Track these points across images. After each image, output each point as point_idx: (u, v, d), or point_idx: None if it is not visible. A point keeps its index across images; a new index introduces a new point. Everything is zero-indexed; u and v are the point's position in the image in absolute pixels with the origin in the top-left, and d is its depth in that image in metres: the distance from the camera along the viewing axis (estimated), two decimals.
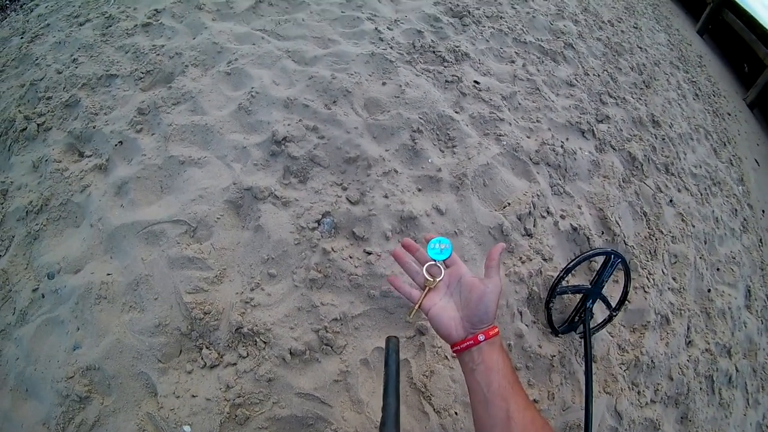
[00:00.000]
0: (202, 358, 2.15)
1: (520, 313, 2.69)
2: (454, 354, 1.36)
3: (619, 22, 7.25)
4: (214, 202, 2.60)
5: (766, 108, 10.92)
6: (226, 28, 3.78)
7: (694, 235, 4.29)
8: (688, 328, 3.66)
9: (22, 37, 4.21)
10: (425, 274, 1.49)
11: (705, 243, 4.47)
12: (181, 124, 2.97)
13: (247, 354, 2.15)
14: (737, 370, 4.01)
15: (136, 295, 2.29)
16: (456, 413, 2.27)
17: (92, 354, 2.12)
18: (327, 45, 3.70)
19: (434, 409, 2.23)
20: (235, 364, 2.13)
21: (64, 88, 3.36)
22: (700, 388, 3.55)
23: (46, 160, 2.92)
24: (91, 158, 2.92)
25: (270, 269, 2.42)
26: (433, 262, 1.51)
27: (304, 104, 3.11)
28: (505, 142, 3.25)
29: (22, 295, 2.41)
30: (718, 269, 4.50)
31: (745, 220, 5.70)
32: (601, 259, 2.81)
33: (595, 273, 2.80)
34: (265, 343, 2.17)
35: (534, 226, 2.96)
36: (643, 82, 5.81)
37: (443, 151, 3.11)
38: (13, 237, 2.67)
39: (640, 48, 6.89)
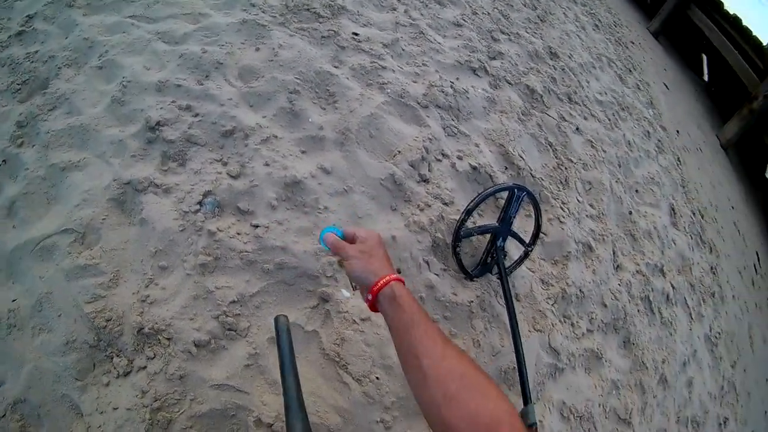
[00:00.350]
0: (114, 368, 2.03)
1: (427, 263, 2.54)
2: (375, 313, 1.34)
3: None
4: (98, 203, 2.43)
5: (671, 35, 11.07)
6: (97, 21, 3.50)
7: (607, 160, 4.23)
8: (614, 253, 3.61)
9: None
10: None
11: (620, 167, 4.42)
12: (58, 129, 2.76)
13: (154, 354, 2.02)
14: (674, 288, 4.01)
15: (42, 316, 2.14)
16: (377, 378, 2.15)
17: (17, 387, 2.00)
18: (198, 20, 3.46)
19: (353, 378, 2.13)
20: (145, 367, 2.00)
21: None
22: (638, 311, 3.52)
23: None
24: None
25: (160, 262, 2.26)
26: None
27: (176, 84, 2.90)
28: (389, 90, 3.06)
29: None
30: (637, 191, 4.48)
31: (659, 141, 5.72)
32: (506, 195, 2.64)
33: (501, 210, 2.62)
34: (168, 339, 2.04)
35: (429, 171, 2.79)
36: (538, 17, 5.68)
37: (324, 108, 2.91)
38: None
39: None
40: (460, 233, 2.48)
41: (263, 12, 3.44)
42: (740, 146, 10.40)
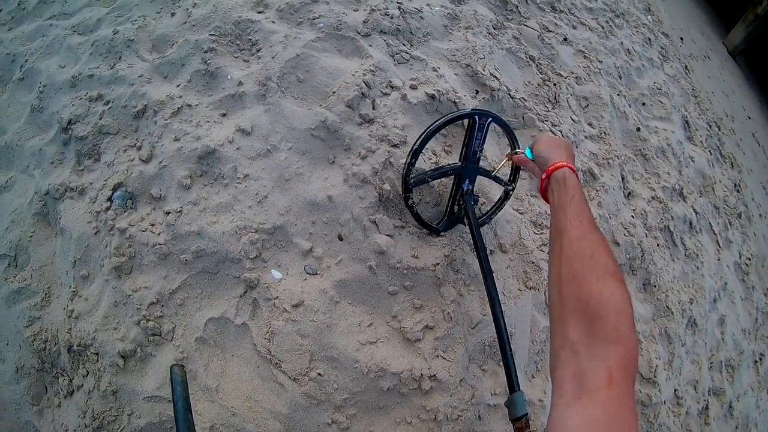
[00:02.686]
0: (60, 389, 1.94)
1: (375, 223, 1.96)
2: (546, 201, 1.37)
3: None
4: (24, 221, 2.24)
5: None
6: (19, 32, 3.17)
7: (604, 71, 3.52)
8: (623, 178, 2.97)
9: None
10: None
11: (620, 78, 3.71)
12: None
13: (87, 372, 1.85)
14: (696, 212, 3.42)
15: None
16: (320, 374, 1.73)
17: None
18: (114, 1, 2.95)
19: (289, 377, 1.76)
20: (82, 385, 1.86)
21: None
22: (658, 244, 2.96)
23: None
24: None
25: (81, 271, 2.00)
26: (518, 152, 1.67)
27: (88, 75, 2.48)
28: (321, 24, 2.40)
29: None
30: (643, 104, 3.78)
31: (663, 48, 4.95)
32: (465, 125, 1.99)
33: (462, 145, 1.98)
34: (96, 354, 1.84)
35: (373, 108, 2.14)
36: None
37: (247, 61, 2.34)
38: None
39: None
40: (409, 181, 1.86)
41: None
42: (749, 53, 9.68)
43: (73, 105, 2.37)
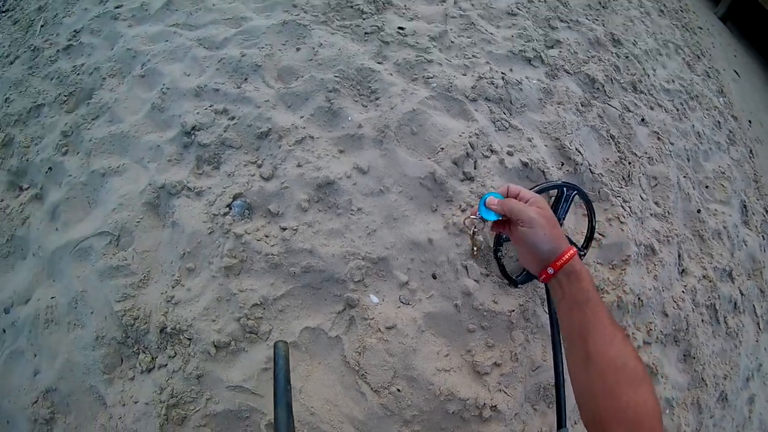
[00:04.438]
0: (139, 364, 2.12)
1: (465, 267, 2.28)
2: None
3: None
4: (133, 207, 2.50)
5: (739, 20, 10.41)
6: (141, 31, 3.54)
7: (674, 153, 3.80)
8: (679, 256, 3.22)
9: None
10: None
11: (688, 160, 3.97)
12: (100, 137, 2.86)
13: (175, 353, 2.06)
14: (742, 294, 3.59)
15: (77, 313, 2.28)
16: (399, 390, 2.00)
17: (49, 377, 2.17)
18: (239, 24, 3.35)
19: (372, 389, 2.02)
20: (166, 365, 2.05)
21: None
22: (702, 320, 3.16)
23: None
24: (29, 190, 2.94)
25: (188, 263, 2.26)
26: (472, 217, 1.56)
27: (214, 89, 2.85)
28: (435, 84, 2.77)
29: None
30: (707, 186, 4.02)
31: (730, 132, 5.18)
32: (554, 194, 2.34)
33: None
34: (189, 339, 2.06)
35: (475, 168, 2.49)
36: (599, 2, 5.20)
37: (366, 106, 2.69)
38: None
39: None
40: (501, 235, 2.20)
41: (305, 12, 3.27)
42: None
43: (197, 113, 2.71)
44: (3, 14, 5.13)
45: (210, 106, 2.74)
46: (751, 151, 5.44)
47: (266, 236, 2.26)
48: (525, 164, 2.60)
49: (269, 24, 3.18)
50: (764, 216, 4.62)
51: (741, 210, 4.25)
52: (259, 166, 2.48)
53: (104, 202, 2.59)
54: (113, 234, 2.43)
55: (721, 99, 5.69)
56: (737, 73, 7.50)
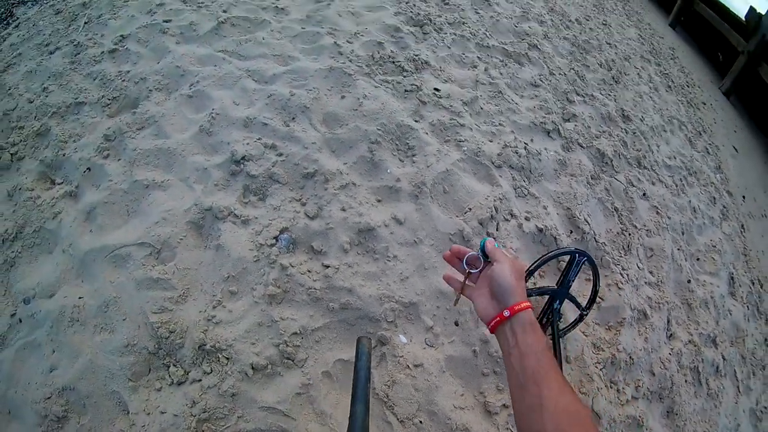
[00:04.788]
0: (169, 376, 2.18)
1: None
2: (492, 333, 1.36)
3: (588, 20, 7.18)
4: (177, 223, 2.64)
5: (743, 95, 10.86)
6: (189, 51, 3.78)
7: (671, 226, 4.20)
8: (668, 321, 3.56)
9: None
10: (464, 265, 1.53)
11: (683, 234, 4.38)
12: (145, 148, 3.01)
13: (211, 370, 2.16)
14: (724, 359, 3.91)
15: (107, 317, 2.33)
16: (421, 422, 2.23)
17: (67, 375, 2.17)
18: (287, 62, 3.67)
19: (398, 419, 2.21)
20: (200, 380, 2.14)
21: (35, 117, 3.42)
22: (686, 381, 3.45)
23: (20, 189, 2.97)
24: (62, 185, 2.98)
25: (231, 287, 2.43)
26: (474, 253, 1.52)
27: (263, 123, 3.11)
28: (465, 148, 3.17)
29: (2, 321, 2.46)
30: (698, 259, 4.41)
31: (724, 207, 5.60)
32: (567, 259, 2.69)
33: (561, 273, 2.68)
34: (227, 359, 2.18)
35: (497, 229, 2.87)
36: (613, 77, 5.72)
37: (402, 161, 3.05)
38: None
39: (609, 44, 6.81)
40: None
41: (350, 61, 3.62)
42: None
43: (247, 144, 2.97)
44: (44, 2, 5.35)
45: (259, 139, 3.00)
46: (742, 226, 5.84)
47: (309, 271, 2.51)
48: (540, 230, 2.97)
49: (317, 68, 3.51)
50: (750, 288, 4.98)
51: (729, 282, 4.61)
52: (303, 204, 2.76)
53: (146, 214, 2.71)
54: (155, 246, 2.55)
55: (718, 175, 6.14)
56: (736, 149, 7.93)
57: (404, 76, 3.63)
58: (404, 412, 2.23)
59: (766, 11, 9.92)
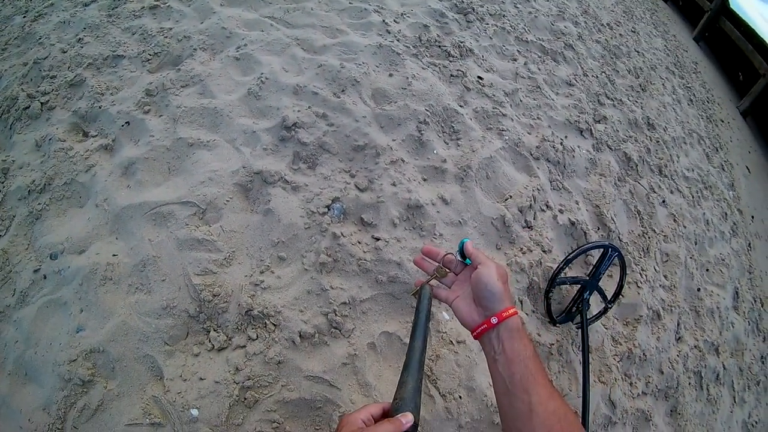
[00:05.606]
0: (209, 341, 2.17)
1: (521, 301, 2.82)
2: (476, 339, 1.38)
3: (618, 25, 7.41)
4: (224, 184, 2.66)
5: (759, 117, 11.10)
6: (235, 13, 3.85)
7: (685, 235, 4.45)
8: (678, 324, 3.80)
9: (24, 16, 4.20)
10: (440, 263, 1.57)
11: (695, 244, 4.63)
12: (189, 106, 3.02)
13: (257, 336, 2.19)
14: (724, 368, 4.13)
15: (143, 277, 2.30)
16: (460, 397, 2.33)
17: (96, 336, 2.12)
18: (335, 35, 3.80)
19: (440, 393, 2.30)
20: (244, 346, 2.16)
21: (68, 67, 3.40)
22: (689, 383, 3.67)
23: (50, 140, 2.92)
24: (97, 138, 2.95)
25: (280, 252, 2.48)
26: (450, 254, 1.57)
27: (313, 92, 3.21)
28: (507, 137, 3.40)
29: (23, 276, 2.39)
30: (707, 270, 4.66)
31: (734, 224, 5.86)
32: (598, 253, 2.92)
33: (593, 266, 2.93)
34: (275, 325, 2.21)
35: (534, 218, 3.10)
36: (640, 85, 5.97)
37: (447, 143, 3.24)
38: (14, 217, 2.66)
39: (638, 52, 7.05)
40: (556, 279, 2.77)
41: (397, 40, 3.80)
42: None
43: (298, 111, 3.05)
44: None
45: (309, 107, 3.10)
46: (749, 244, 6.11)
47: (359, 242, 2.62)
48: (572, 223, 3.22)
49: (366, 43, 3.66)
50: (752, 305, 5.22)
51: (734, 295, 4.85)
52: (353, 176, 2.89)
53: (189, 173, 2.70)
54: (200, 206, 2.53)
55: (731, 192, 6.41)
56: (749, 169, 8.20)
57: (450, 61, 3.83)
58: (446, 387, 2.31)
59: None
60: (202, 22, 3.75)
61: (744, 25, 12.45)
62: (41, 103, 3.15)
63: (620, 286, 2.98)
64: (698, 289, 4.23)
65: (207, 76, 3.25)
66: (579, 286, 2.92)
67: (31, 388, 2.08)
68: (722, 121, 8.62)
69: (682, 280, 4.10)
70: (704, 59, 12.20)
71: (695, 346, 3.87)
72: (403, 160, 3.00)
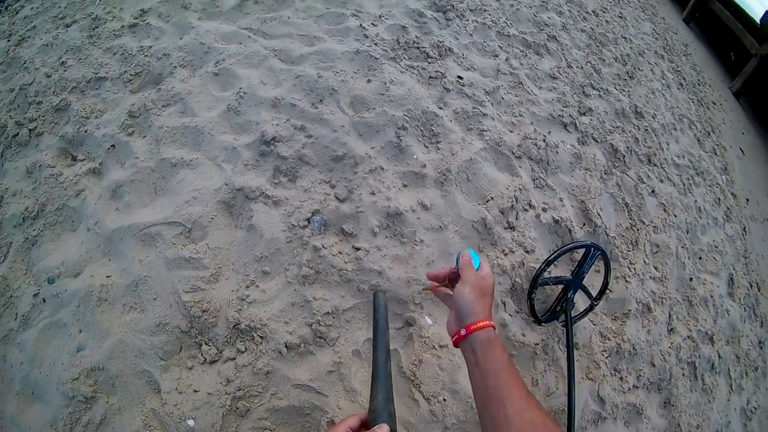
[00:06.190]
0: (201, 354, 2.29)
1: (504, 303, 2.85)
2: (455, 347, 1.50)
3: (604, 12, 7.40)
4: (207, 202, 2.74)
5: (752, 97, 11.14)
6: (213, 27, 3.87)
7: (676, 224, 4.47)
8: (669, 316, 3.83)
9: (8, 40, 4.27)
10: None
11: (687, 232, 4.65)
12: (171, 126, 3.08)
13: (245, 349, 2.30)
14: (720, 357, 4.17)
15: (136, 296, 2.42)
16: (444, 399, 2.42)
17: (96, 355, 2.24)
18: (313, 43, 3.82)
19: (423, 396, 2.39)
20: (234, 359, 2.28)
21: (53, 92, 3.47)
22: (683, 374, 3.70)
23: (40, 166, 3.02)
24: (85, 162, 3.04)
25: (264, 267, 2.57)
26: (455, 269, 1.73)
27: (291, 104, 3.24)
28: (488, 137, 3.40)
29: (23, 301, 2.53)
30: (700, 258, 4.68)
31: (728, 209, 5.89)
32: (582, 251, 2.95)
33: (576, 264, 2.94)
34: (261, 338, 2.32)
35: (516, 219, 3.11)
36: (627, 72, 5.96)
37: (428, 147, 3.26)
38: (11, 243, 2.78)
39: (625, 38, 7.04)
40: (538, 281, 2.80)
41: (375, 44, 3.80)
42: None
43: (276, 124, 3.08)
44: None
45: (288, 120, 3.14)
46: (744, 228, 6.15)
47: (340, 252, 2.69)
48: (556, 221, 3.24)
49: (343, 50, 3.67)
50: (748, 290, 5.26)
51: (728, 282, 4.90)
52: (333, 187, 2.94)
53: (174, 192, 2.79)
54: (185, 225, 2.64)
55: (724, 176, 6.44)
56: (743, 151, 8.22)
57: (429, 62, 3.83)
58: (429, 390, 2.40)
59: None
60: (181, 38, 3.78)
61: (733, 5, 12.49)
62: (29, 130, 3.26)
63: (605, 284, 3.00)
64: (690, 279, 4.26)
65: (187, 93, 3.29)
66: (562, 285, 2.94)
67: (38, 407, 2.23)
68: (714, 104, 8.63)
69: (674, 271, 4.12)
70: (695, 41, 12.21)
71: (688, 337, 3.90)
72: (383, 168, 3.03)
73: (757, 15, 11.45)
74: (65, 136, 3.15)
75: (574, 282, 2.89)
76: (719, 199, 5.80)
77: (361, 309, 2.57)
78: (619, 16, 7.73)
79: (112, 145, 3.04)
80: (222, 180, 2.84)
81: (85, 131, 3.14)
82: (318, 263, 2.59)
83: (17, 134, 3.24)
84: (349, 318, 2.53)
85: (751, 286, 5.46)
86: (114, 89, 3.44)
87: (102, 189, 2.84)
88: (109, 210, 2.74)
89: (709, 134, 7.01)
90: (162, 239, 2.59)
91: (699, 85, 8.57)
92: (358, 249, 2.71)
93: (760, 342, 5.14)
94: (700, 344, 3.99)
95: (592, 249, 2.86)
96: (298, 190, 2.90)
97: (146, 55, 3.64)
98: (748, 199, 6.98)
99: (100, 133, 3.11)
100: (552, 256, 2.78)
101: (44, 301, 2.51)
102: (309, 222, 2.74)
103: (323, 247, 2.63)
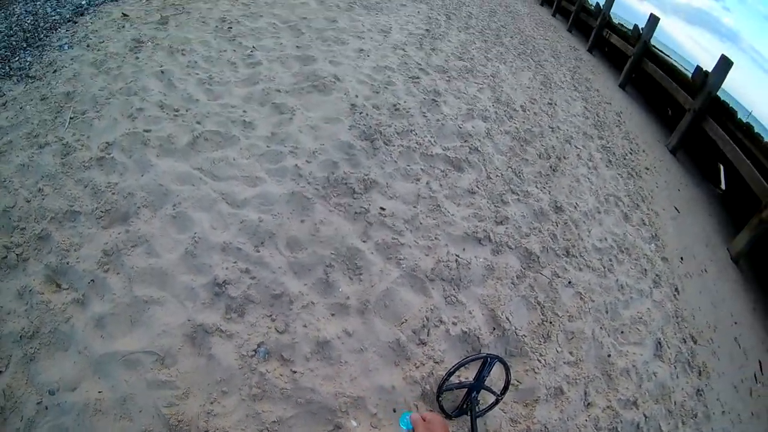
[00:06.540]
0: None
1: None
2: None
3: (533, 103, 8.21)
4: (175, 336, 3.31)
5: (690, 150, 11.92)
6: (169, 167, 4.53)
7: (594, 308, 5.10)
8: (585, 393, 4.34)
9: None
10: None
11: (607, 312, 5.27)
12: (140, 266, 3.65)
13: None
14: (646, 417, 4.54)
15: (125, 409, 2.92)
16: None
17: None
18: (255, 183, 4.55)
19: None
20: None
21: (35, 219, 3.96)
22: None
23: (30, 291, 3.47)
24: (69, 292, 3.52)
25: (223, 388, 3.14)
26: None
27: (237, 248, 3.94)
28: (404, 265, 4.14)
29: (28, 407, 2.94)
30: (622, 332, 5.26)
31: (657, 276, 6.51)
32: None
33: (477, 370, 3.51)
34: None
35: (428, 335, 3.81)
36: (550, 167, 6.70)
37: (352, 279, 3.98)
38: (11, 356, 3.18)
39: (552, 129, 7.81)
40: (442, 389, 3.41)
41: (308, 183, 4.58)
42: (752, 256, 9.91)
43: (226, 268, 3.77)
44: (29, 79, 5.71)
45: (235, 263, 3.82)
46: (676, 289, 6.70)
47: (281, 375, 3.31)
48: (464, 332, 3.93)
49: (280, 192, 4.43)
50: (680, 347, 5.72)
51: (656, 347, 5.38)
52: (273, 320, 3.60)
53: (147, 326, 3.33)
54: (159, 354, 3.18)
55: (652, 245, 7.10)
56: (677, 210, 8.91)
57: (354, 198, 4.60)
58: None
59: (711, 69, 11.00)
60: (142, 175, 4.40)
61: (666, 65, 13.47)
62: (17, 255, 3.70)
63: (507, 382, 3.57)
64: (608, 355, 4.82)
65: (151, 236, 3.91)
66: (467, 388, 3.50)
67: None
68: (647, 169, 9.39)
69: (591, 351, 4.70)
70: (630, 104, 13.14)
71: (608, 407, 4.34)
72: (313, 303, 3.73)
73: (688, 71, 12.38)
74: (49, 265, 3.63)
75: (476, 385, 3.48)
76: (646, 270, 6.41)
77: (300, 417, 3.12)
78: (548, 103, 8.54)
79: (92, 280, 3.55)
80: (185, 316, 3.42)
81: (67, 263, 3.64)
82: (264, 384, 3.18)
83: (6, 257, 3.67)
84: (291, 425, 3.07)
85: (686, 341, 5.92)
86: (88, 224, 3.96)
87: (87, 318, 3.33)
88: (95, 337, 3.24)
89: (638, 206, 7.69)
90: (142, 365, 3.12)
91: (631, 154, 9.35)
92: (294, 372, 3.33)
93: (698, 391, 5.46)
94: (620, 411, 4.38)
95: (488, 358, 3.44)
96: (246, 324, 3.53)
97: (113, 193, 4.19)
98: (682, 258, 7.58)
99: (80, 267, 3.62)
100: (453, 368, 3.39)
101: (47, 408, 2.91)
102: (256, 352, 3.38)
103: (267, 371, 3.25)
